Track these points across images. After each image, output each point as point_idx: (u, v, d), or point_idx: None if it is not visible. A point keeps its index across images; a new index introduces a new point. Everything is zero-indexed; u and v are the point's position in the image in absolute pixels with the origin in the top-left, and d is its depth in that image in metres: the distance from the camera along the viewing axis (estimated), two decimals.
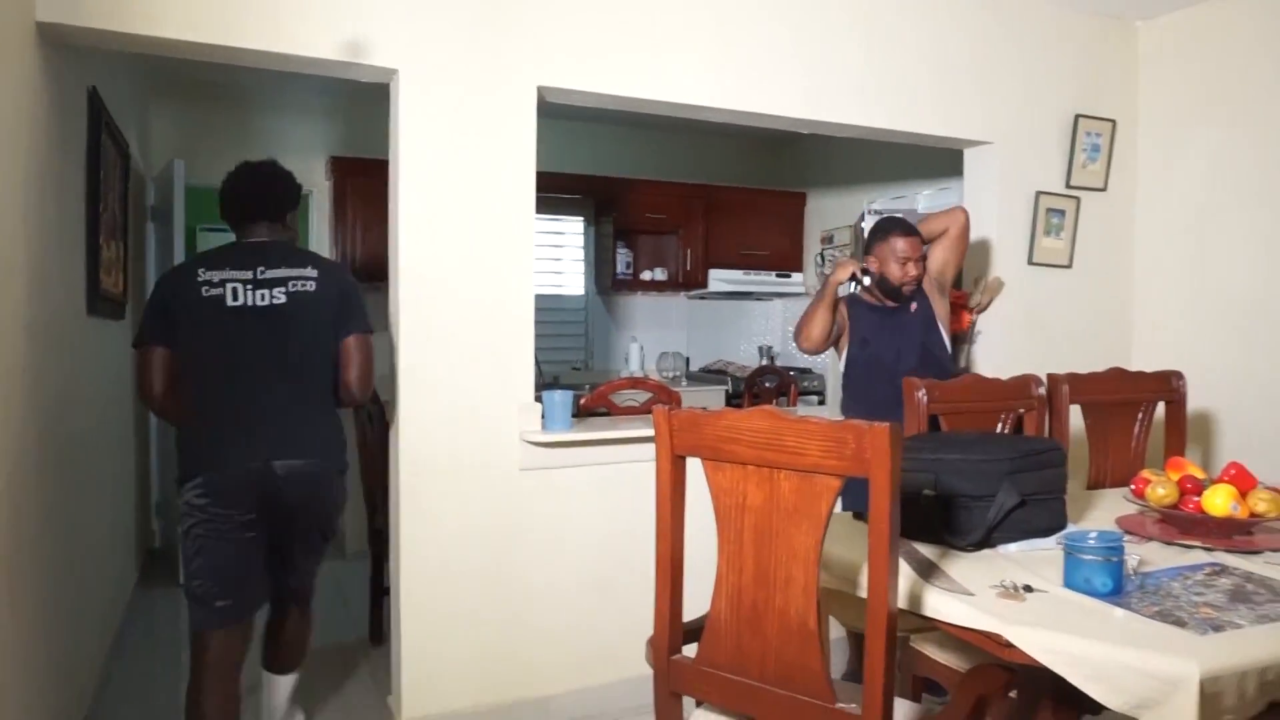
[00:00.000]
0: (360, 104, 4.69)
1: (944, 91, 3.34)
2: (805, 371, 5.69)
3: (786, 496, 1.50)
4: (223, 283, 2.28)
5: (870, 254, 3.00)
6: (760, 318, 6.27)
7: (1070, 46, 3.58)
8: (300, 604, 2.58)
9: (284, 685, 2.63)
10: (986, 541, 1.83)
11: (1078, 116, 3.58)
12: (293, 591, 2.53)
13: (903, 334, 2.97)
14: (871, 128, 3.28)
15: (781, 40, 3.04)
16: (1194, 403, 3.52)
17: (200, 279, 2.28)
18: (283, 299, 2.30)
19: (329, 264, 2.45)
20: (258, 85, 4.76)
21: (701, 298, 5.97)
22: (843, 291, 3.02)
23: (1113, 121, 3.66)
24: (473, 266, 2.67)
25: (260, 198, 2.42)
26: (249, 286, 2.29)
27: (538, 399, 2.77)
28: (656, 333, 5.92)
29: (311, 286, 2.34)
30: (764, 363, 5.73)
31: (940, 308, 3.05)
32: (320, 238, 5.08)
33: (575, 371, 5.64)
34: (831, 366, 5.32)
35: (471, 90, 2.64)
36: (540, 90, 2.73)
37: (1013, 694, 1.82)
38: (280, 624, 2.57)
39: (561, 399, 2.76)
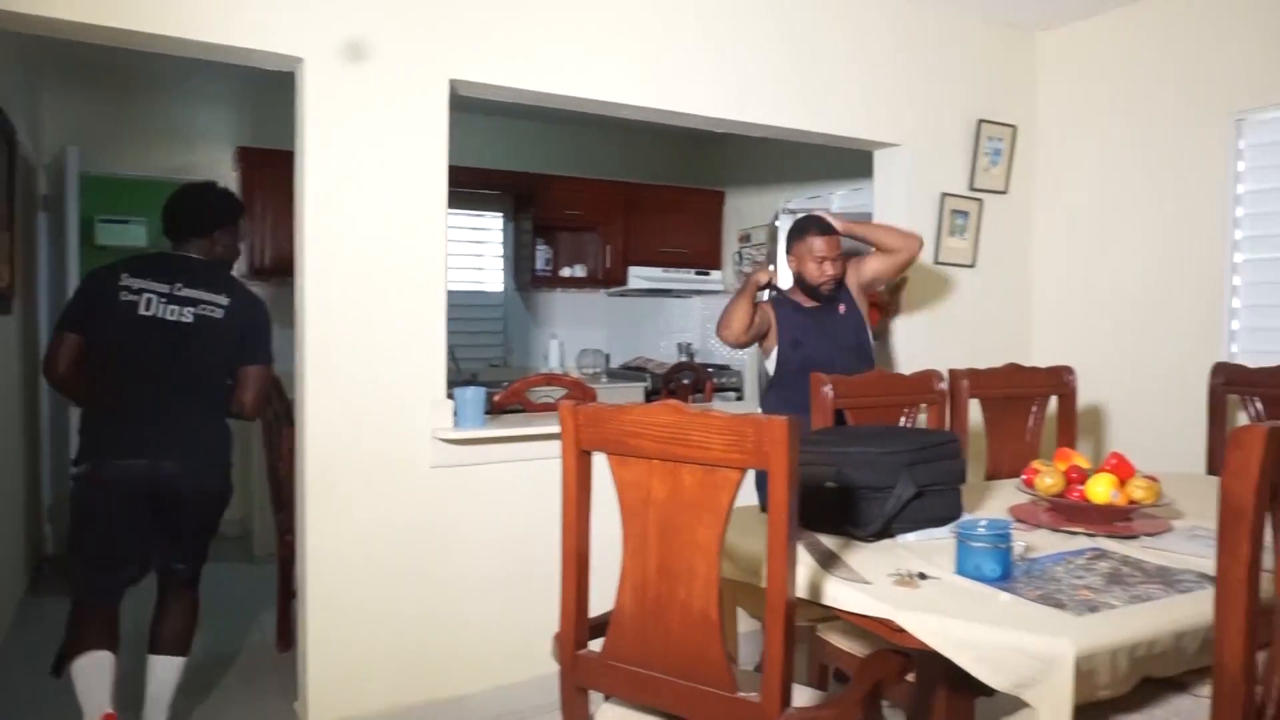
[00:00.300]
0: (270, 93, 4.54)
1: (858, 94, 3.43)
2: (723, 368, 5.76)
3: (690, 490, 1.52)
4: (140, 291, 2.47)
5: (789, 253, 3.00)
6: (679, 315, 6.33)
7: (974, 54, 3.72)
8: (186, 589, 2.67)
9: (169, 670, 2.61)
10: (886, 532, 1.89)
11: (980, 121, 3.71)
12: (177, 577, 2.64)
13: (833, 336, 2.98)
14: (791, 128, 3.34)
15: (704, 41, 3.08)
16: (1087, 396, 3.70)
17: (121, 283, 2.47)
18: (190, 319, 2.50)
19: (245, 297, 2.62)
20: (161, 71, 4.58)
21: (621, 295, 5.99)
22: (762, 297, 3.03)
23: (1013, 127, 3.81)
24: (382, 262, 2.62)
25: (189, 213, 2.61)
26: (163, 300, 2.49)
27: (451, 396, 2.74)
28: (576, 330, 5.92)
29: (219, 314, 2.53)
30: (682, 359, 5.79)
31: (864, 310, 3.09)
32: None
33: (494, 368, 5.59)
34: (750, 364, 5.41)
35: (381, 81, 2.59)
36: (453, 84, 2.69)
37: (911, 678, 1.88)
38: (166, 608, 2.66)
39: (474, 395, 2.74)
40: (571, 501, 1.66)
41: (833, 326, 2.99)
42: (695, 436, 1.49)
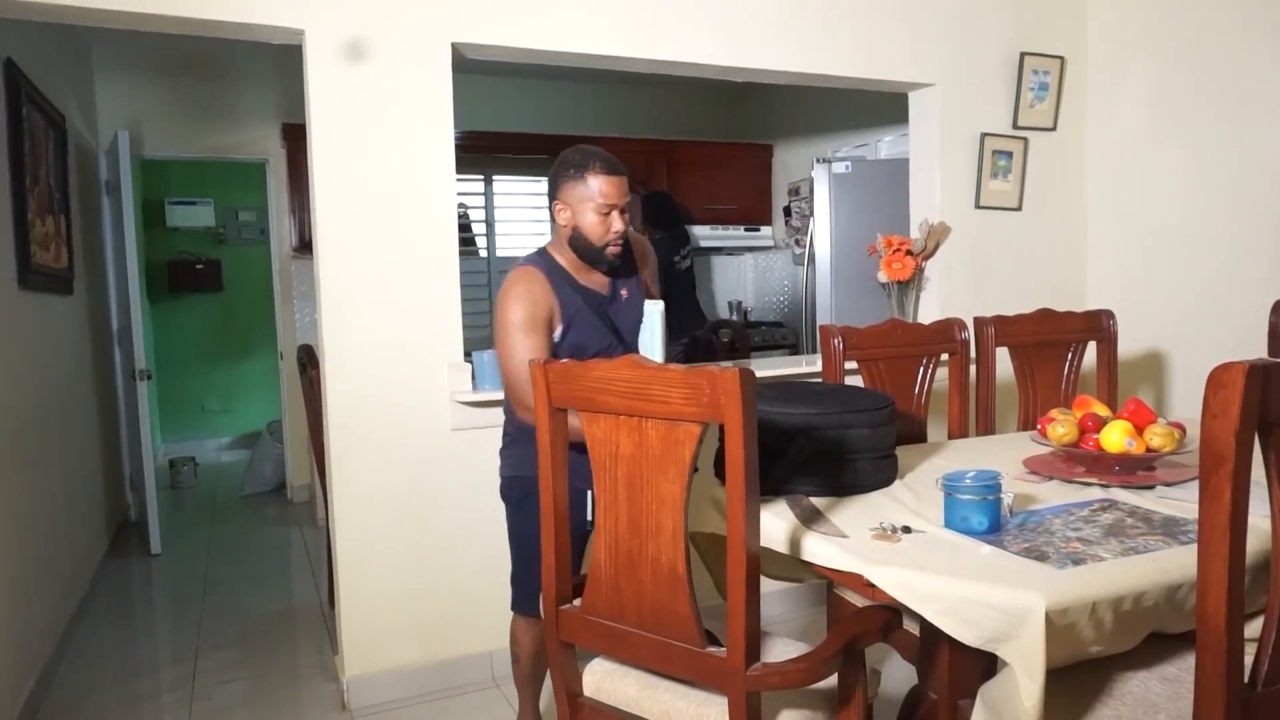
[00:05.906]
0: None
1: (874, 33, 3.26)
2: (776, 325, 5.67)
3: (654, 444, 1.50)
4: None
5: (556, 199, 2.16)
6: (731, 272, 6.24)
7: None
8: None
9: None
10: (777, 489, 1.83)
11: (1023, 55, 3.50)
12: None
13: (619, 325, 2.27)
14: (809, 73, 3.22)
15: None
16: (1148, 341, 3.51)
17: None
18: None
19: None
20: (209, 53, 4.72)
21: None
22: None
23: (1061, 58, 3.58)
24: (392, 231, 2.65)
25: None
26: None
27: (469, 359, 2.78)
28: None
29: None
30: (733, 318, 5.72)
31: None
32: (279, 208, 5.06)
33: None
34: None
35: (383, 50, 2.60)
36: (456, 47, 2.69)
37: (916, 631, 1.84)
38: None
39: (490, 358, 2.76)
40: (547, 458, 1.66)
41: (617, 313, 2.26)
42: (655, 391, 1.47)
